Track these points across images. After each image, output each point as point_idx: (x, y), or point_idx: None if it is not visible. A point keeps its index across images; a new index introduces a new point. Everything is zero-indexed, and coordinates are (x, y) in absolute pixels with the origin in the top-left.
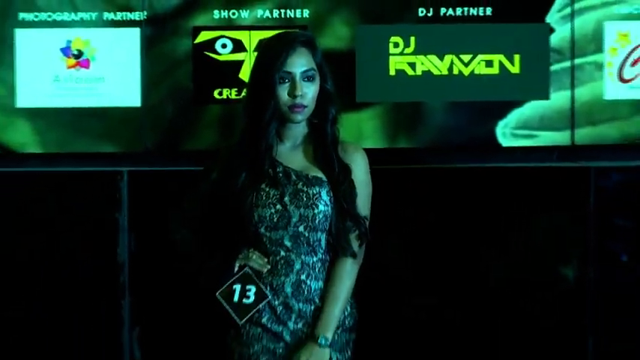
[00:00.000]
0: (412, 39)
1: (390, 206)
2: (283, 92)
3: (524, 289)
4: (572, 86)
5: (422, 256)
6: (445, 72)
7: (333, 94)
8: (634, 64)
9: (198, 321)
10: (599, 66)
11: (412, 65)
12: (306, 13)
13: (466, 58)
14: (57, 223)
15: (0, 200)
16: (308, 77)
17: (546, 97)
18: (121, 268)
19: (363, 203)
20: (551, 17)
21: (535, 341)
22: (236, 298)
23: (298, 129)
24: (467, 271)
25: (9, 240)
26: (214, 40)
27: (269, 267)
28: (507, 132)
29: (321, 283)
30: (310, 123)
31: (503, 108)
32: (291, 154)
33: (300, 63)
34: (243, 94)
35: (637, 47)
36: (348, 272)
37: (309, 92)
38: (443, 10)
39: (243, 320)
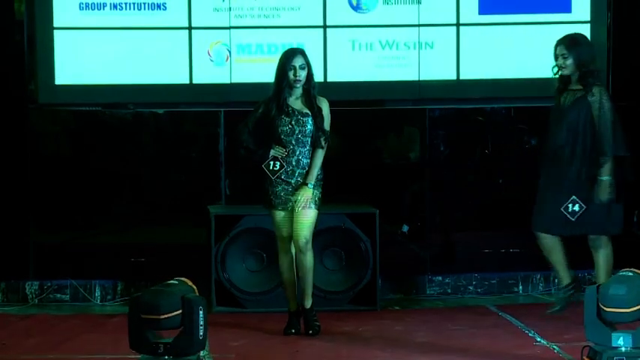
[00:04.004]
0: None
1: (335, 127)
2: (290, 74)
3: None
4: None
5: (349, 150)
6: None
7: (313, 76)
8: None
9: (254, 175)
10: None
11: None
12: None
13: None
14: (186, 133)
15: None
16: (302, 67)
17: None
18: (220, 154)
19: (327, 125)
20: None
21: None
22: (270, 167)
23: (299, 90)
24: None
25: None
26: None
27: (286, 153)
28: None
29: (308, 160)
30: (303, 88)
31: None
32: (295, 102)
33: (298, 61)
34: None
35: None
36: (320, 155)
37: (302, 74)
38: None
39: (274, 177)
